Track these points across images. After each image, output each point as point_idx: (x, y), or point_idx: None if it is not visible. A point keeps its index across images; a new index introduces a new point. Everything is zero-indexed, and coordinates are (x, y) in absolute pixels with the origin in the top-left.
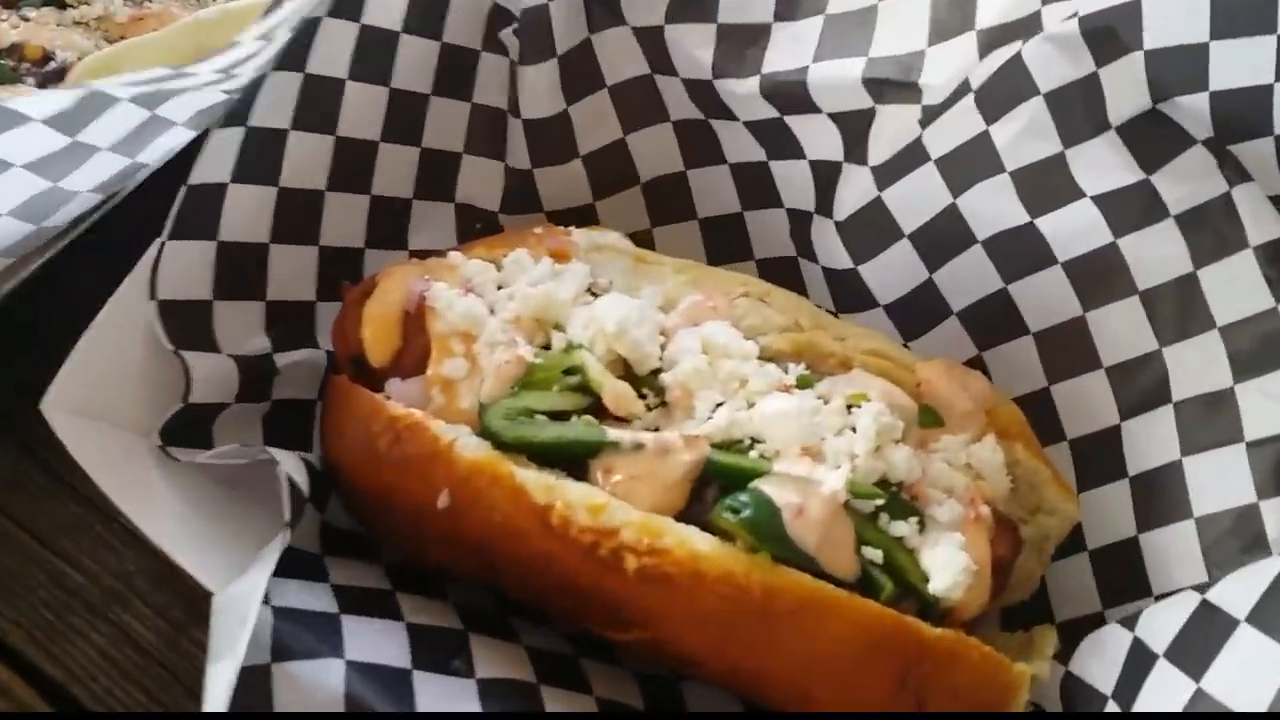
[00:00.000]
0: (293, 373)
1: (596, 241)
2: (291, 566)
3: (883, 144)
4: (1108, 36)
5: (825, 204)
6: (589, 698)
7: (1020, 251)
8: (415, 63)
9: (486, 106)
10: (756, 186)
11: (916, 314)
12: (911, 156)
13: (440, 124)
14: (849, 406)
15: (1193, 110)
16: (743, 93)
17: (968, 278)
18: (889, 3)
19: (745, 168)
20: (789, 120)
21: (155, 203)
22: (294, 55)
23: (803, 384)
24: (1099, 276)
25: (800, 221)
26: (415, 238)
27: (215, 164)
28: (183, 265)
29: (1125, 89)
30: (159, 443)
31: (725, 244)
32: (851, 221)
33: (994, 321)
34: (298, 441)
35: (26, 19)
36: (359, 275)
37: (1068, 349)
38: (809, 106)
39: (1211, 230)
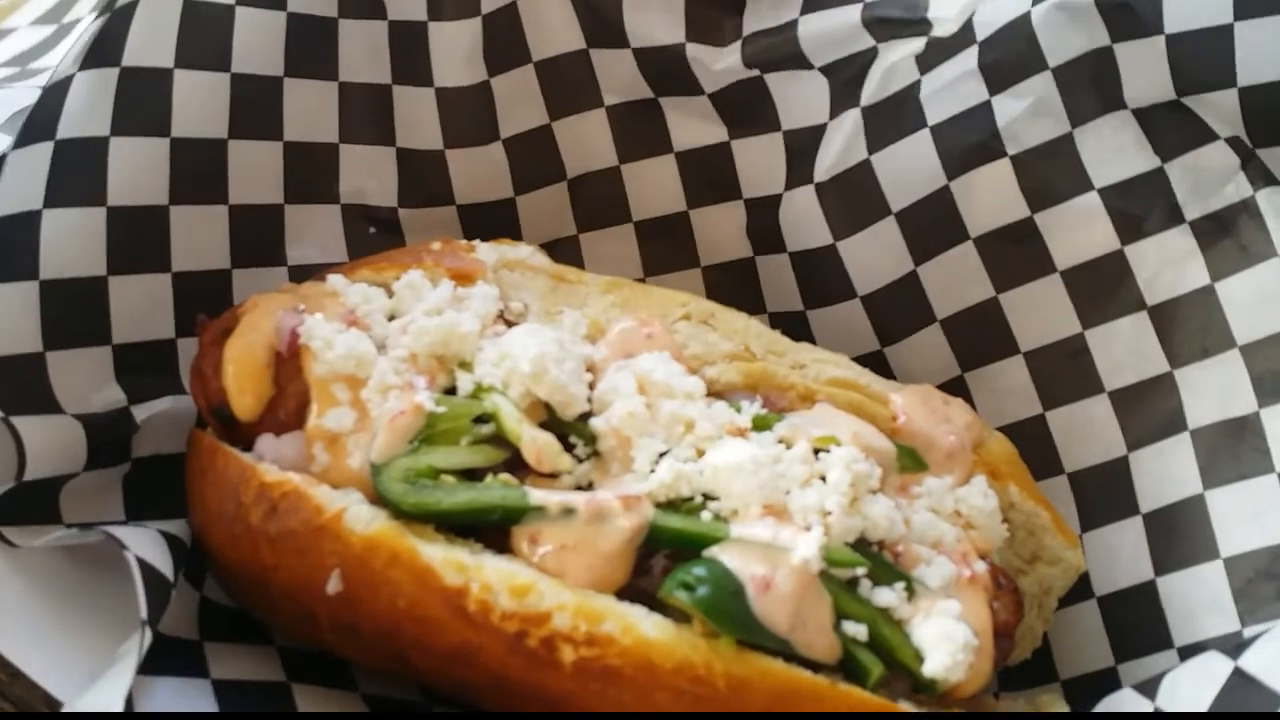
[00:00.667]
0: (156, 425)
1: (507, 257)
2: (164, 659)
3: (877, 82)
4: (1124, 11)
5: (801, 172)
6: None
7: (1016, 255)
8: (258, 41)
9: (360, 84)
10: (709, 177)
11: (896, 313)
12: (906, 112)
13: (303, 110)
14: (816, 451)
15: (1221, 106)
16: (719, 67)
17: (956, 278)
18: None
19: (696, 155)
20: (769, 79)
21: None
22: (104, 46)
23: (759, 425)
24: (1103, 288)
25: (762, 211)
26: (294, 250)
27: (21, 188)
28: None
29: (1145, 71)
30: None
31: (666, 250)
32: (835, 183)
33: (982, 335)
34: (168, 504)
35: None
36: (228, 301)
37: (1065, 371)
38: (797, 62)
39: (1233, 238)
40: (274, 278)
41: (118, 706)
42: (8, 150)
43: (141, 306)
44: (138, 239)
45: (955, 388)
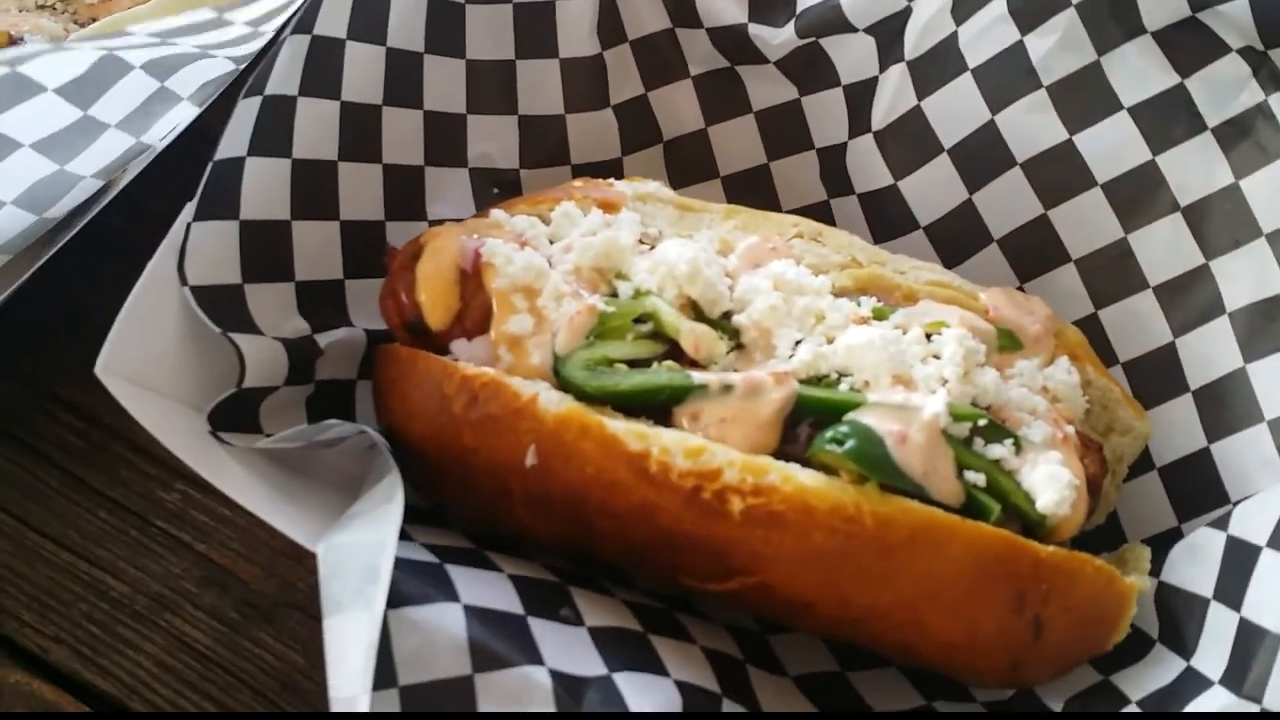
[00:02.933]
0: (333, 353)
1: (640, 191)
2: None
3: (916, 36)
4: None
5: (861, 123)
6: (694, 647)
7: (1059, 175)
8: (406, 19)
9: (484, 61)
10: (784, 131)
11: (957, 238)
12: (948, 59)
13: (439, 83)
14: (928, 335)
15: (1233, 18)
16: (778, 42)
17: (1007, 202)
18: None
19: (772, 113)
20: (823, 43)
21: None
22: (307, 15)
23: (878, 316)
24: (1139, 196)
25: (833, 158)
26: (433, 207)
27: (236, 137)
28: (209, 247)
29: None
30: (209, 428)
31: (751, 201)
32: (890, 130)
33: (1035, 249)
34: (346, 420)
35: None
36: (383, 249)
37: (1112, 272)
38: (843, 26)
39: (1251, 140)
40: (419, 229)
41: (393, 542)
42: (239, 98)
43: (317, 249)
44: (315, 189)
45: None
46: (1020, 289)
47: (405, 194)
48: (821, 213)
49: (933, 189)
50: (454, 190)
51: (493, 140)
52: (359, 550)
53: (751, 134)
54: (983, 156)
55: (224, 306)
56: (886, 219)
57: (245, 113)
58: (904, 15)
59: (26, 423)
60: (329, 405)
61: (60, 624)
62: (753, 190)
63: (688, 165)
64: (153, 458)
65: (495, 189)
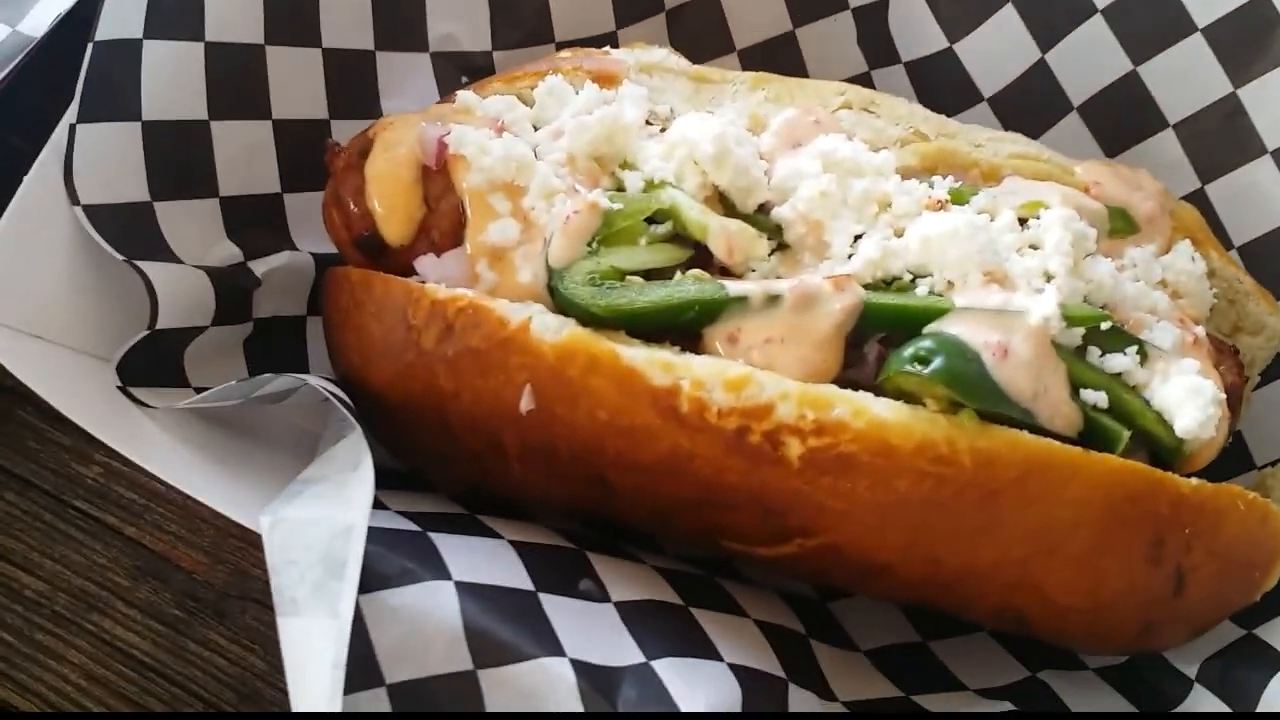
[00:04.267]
0: (273, 282)
1: (643, 60)
2: None
3: None
4: None
5: None
6: (747, 621)
7: (1151, 20)
8: None
9: None
10: None
11: (1029, 108)
12: None
13: None
14: (1021, 220)
15: None
16: None
17: (1088, 59)
18: None
19: None
20: None
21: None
22: None
23: (956, 199)
24: (1251, 40)
25: (871, 18)
26: (388, 101)
27: (123, 11)
28: (102, 156)
29: None
30: (118, 382)
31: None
32: None
33: (1125, 114)
34: (291, 368)
35: None
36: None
37: (1221, 137)
38: None
39: None
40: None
41: (363, 521)
42: None
43: (245, 155)
44: (238, 80)
45: None
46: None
47: (352, 85)
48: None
49: (997, 49)
50: (413, 80)
51: (458, 17)
52: (317, 532)
53: None
54: (1056, 4)
55: (128, 229)
56: (942, 90)
57: None
58: None
59: None
60: (274, 348)
61: None
62: (777, 65)
63: (697, 38)
64: (66, 424)
65: (464, 78)
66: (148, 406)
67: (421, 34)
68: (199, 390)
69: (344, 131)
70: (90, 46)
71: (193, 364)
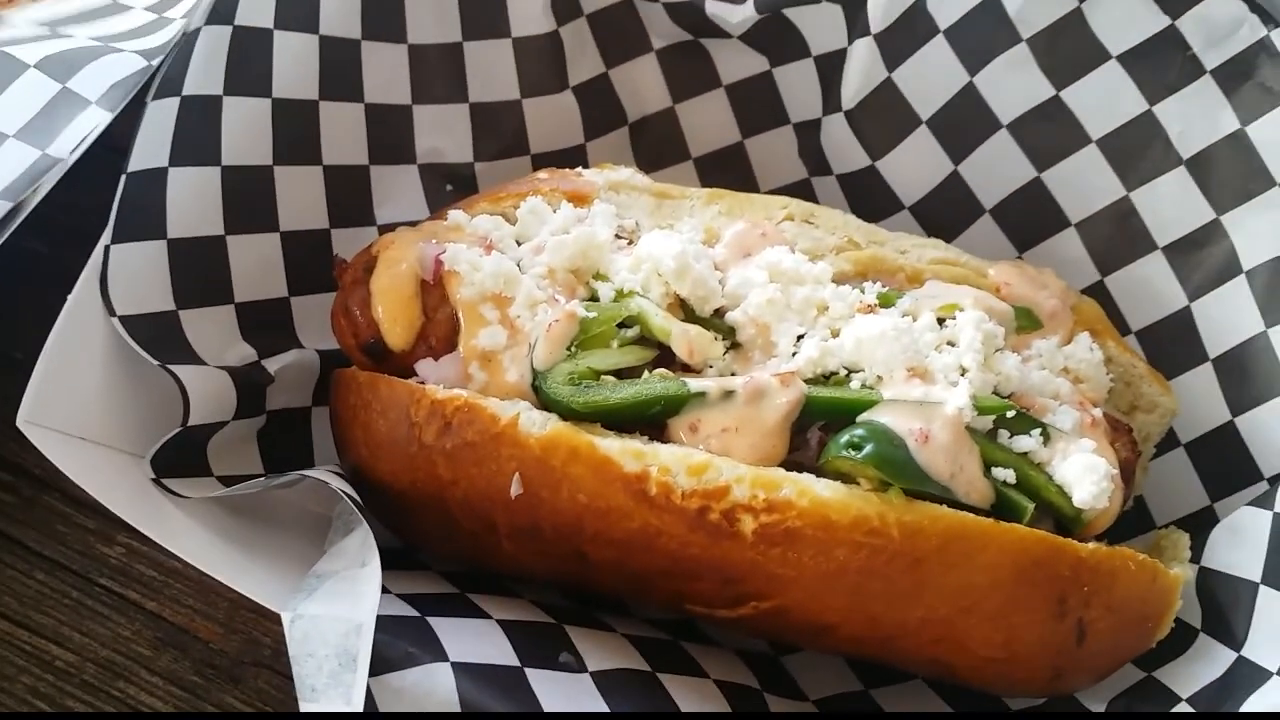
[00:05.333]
0: (284, 378)
1: (612, 179)
2: None
3: (882, 5)
4: None
5: (833, 99)
6: (706, 681)
7: (1050, 134)
8: (339, 3)
9: (427, 46)
10: (757, 106)
11: (945, 214)
12: (918, 25)
13: (379, 73)
14: (939, 319)
15: None
16: (738, 19)
17: (997, 168)
18: None
19: (744, 86)
20: (788, 13)
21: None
22: (223, 3)
23: (884, 302)
24: (1138, 149)
25: (810, 133)
26: (381, 210)
27: (153, 146)
28: (134, 271)
29: None
30: (151, 474)
31: (726, 182)
32: (863, 108)
33: (1032, 216)
34: (299, 455)
35: None
36: (328, 260)
37: (1117, 235)
38: None
39: (1254, 80)
40: (367, 236)
41: (371, 617)
42: (147, 100)
43: (257, 265)
44: (250, 199)
45: None
46: (1019, 258)
47: (350, 197)
48: (803, 192)
49: (915, 165)
50: (403, 190)
51: (443, 133)
52: (332, 627)
53: (723, 110)
54: (965, 123)
55: (159, 336)
56: (869, 200)
57: (160, 117)
58: None
59: None
60: (283, 437)
61: (3, 701)
62: (728, 170)
63: (657, 147)
64: (90, 509)
65: (449, 186)
66: (179, 496)
67: (410, 148)
68: (220, 478)
69: (343, 239)
70: (124, 178)
71: (215, 454)
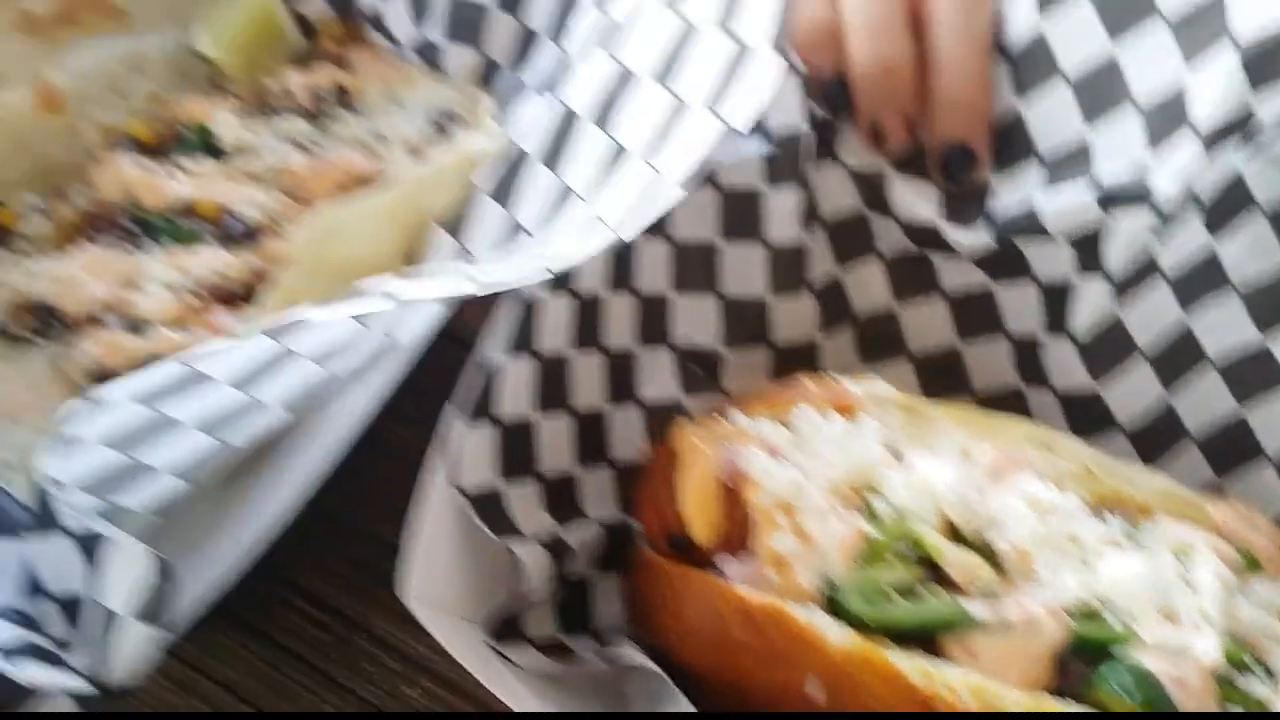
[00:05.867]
0: (578, 551)
1: (870, 392)
2: None
3: (1117, 256)
4: None
5: (1058, 323)
6: None
7: (1258, 371)
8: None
9: (690, 244)
10: (976, 315)
11: (1154, 439)
12: (1147, 272)
13: (652, 269)
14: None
15: None
16: (971, 243)
17: (1204, 403)
18: (1099, 126)
19: (964, 297)
20: (1018, 240)
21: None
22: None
23: (1128, 538)
24: None
25: (1027, 348)
26: (642, 390)
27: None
28: (472, 452)
29: None
30: (490, 641)
31: (942, 384)
32: (1092, 341)
33: (1231, 447)
34: (581, 622)
35: (184, 170)
36: (605, 437)
37: None
38: (1041, 234)
39: None
40: (631, 413)
41: None
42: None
43: (553, 443)
44: (554, 385)
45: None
46: (1217, 481)
47: (622, 378)
48: (1014, 402)
49: (1133, 396)
50: (659, 370)
51: (695, 321)
52: None
53: (942, 316)
54: (1180, 360)
55: (492, 511)
56: (1086, 419)
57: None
58: (1100, 229)
59: (268, 615)
60: (573, 605)
61: None
62: (943, 373)
63: (877, 344)
64: (396, 652)
65: (697, 368)
66: (511, 661)
67: (669, 333)
68: (530, 640)
69: (614, 417)
70: (472, 367)
71: (527, 622)
